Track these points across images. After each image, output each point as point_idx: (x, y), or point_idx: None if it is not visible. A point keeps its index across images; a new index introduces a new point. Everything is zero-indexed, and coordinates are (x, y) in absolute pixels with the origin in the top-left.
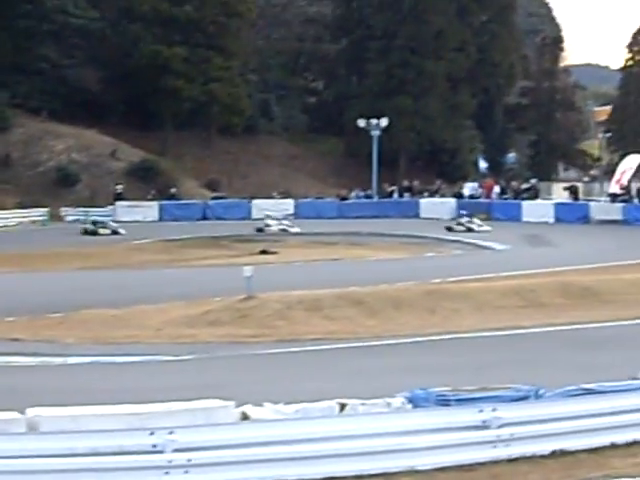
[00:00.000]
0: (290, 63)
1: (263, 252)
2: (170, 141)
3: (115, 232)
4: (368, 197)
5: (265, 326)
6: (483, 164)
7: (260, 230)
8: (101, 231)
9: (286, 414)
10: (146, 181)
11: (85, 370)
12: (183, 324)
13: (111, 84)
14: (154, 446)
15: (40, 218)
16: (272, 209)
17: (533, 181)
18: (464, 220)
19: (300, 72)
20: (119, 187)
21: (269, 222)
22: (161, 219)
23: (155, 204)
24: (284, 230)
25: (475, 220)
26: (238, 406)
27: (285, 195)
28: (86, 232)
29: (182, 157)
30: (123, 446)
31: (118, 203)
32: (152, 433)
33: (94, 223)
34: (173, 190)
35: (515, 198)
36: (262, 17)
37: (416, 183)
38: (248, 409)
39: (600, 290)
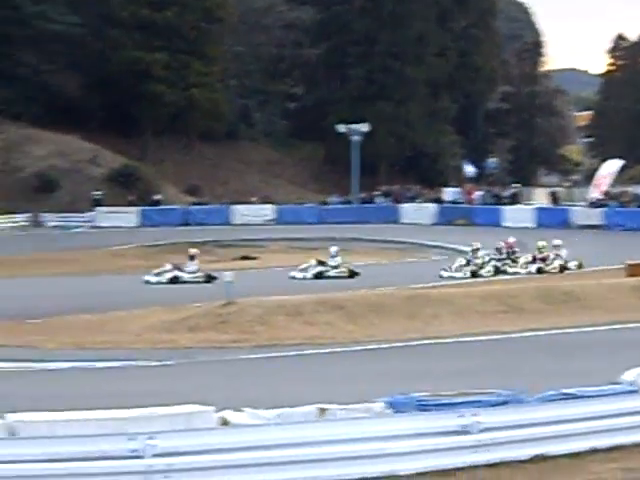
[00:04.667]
0: (270, 68)
1: (244, 258)
2: (150, 147)
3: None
4: (347, 202)
5: (245, 331)
6: (470, 169)
7: None
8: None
9: (266, 419)
10: (127, 187)
11: (65, 375)
12: (163, 329)
13: (92, 90)
14: (134, 451)
15: (20, 224)
16: (252, 214)
17: (516, 186)
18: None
19: (280, 77)
20: (97, 193)
21: None
22: (141, 225)
23: (135, 210)
24: None
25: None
26: (218, 411)
27: (265, 200)
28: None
29: (162, 163)
30: (102, 451)
31: (98, 209)
32: (132, 438)
33: None
34: (157, 196)
35: (496, 203)
36: (242, 23)
37: (396, 188)
38: (228, 414)
39: (581, 295)
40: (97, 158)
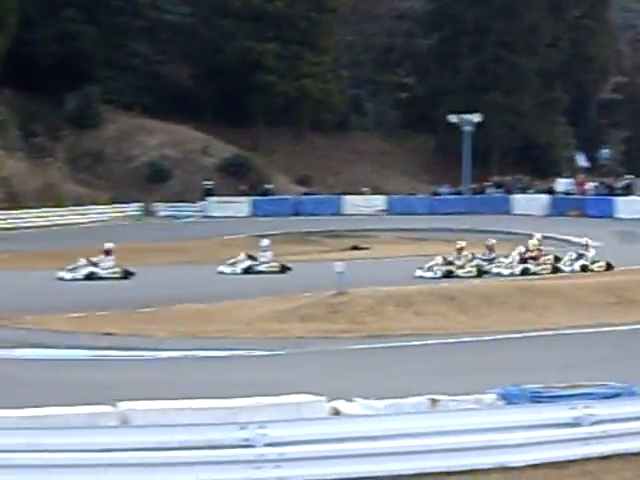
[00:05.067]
0: (382, 58)
1: (354, 248)
2: (262, 137)
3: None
4: (458, 193)
5: (356, 321)
6: (582, 160)
7: None
8: None
9: (377, 409)
10: (238, 177)
11: (177, 364)
12: (274, 319)
13: (203, 80)
14: (245, 440)
15: (133, 213)
16: (363, 205)
17: (630, 177)
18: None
19: (392, 67)
20: (208, 183)
21: None
22: (252, 215)
23: (247, 200)
24: None
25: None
26: (329, 401)
27: (376, 191)
28: None
29: (273, 153)
30: (214, 440)
31: (209, 199)
32: (243, 427)
33: None
34: (268, 186)
35: (609, 194)
36: (354, 13)
37: (507, 179)
38: (339, 404)
39: None
40: (209, 148)
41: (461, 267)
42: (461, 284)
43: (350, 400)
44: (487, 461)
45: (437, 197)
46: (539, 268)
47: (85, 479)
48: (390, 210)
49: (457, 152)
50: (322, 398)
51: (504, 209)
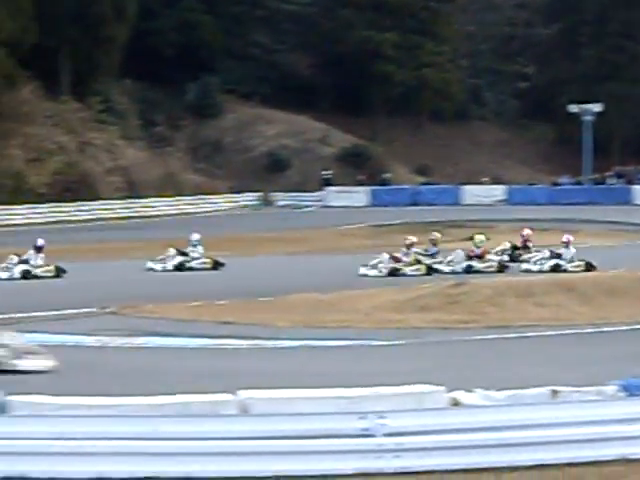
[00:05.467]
0: (501, 48)
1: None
2: (380, 127)
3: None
4: (578, 183)
5: (475, 312)
6: None
7: None
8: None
9: (497, 400)
10: (356, 166)
11: (295, 353)
12: (392, 309)
13: (322, 69)
14: (364, 430)
15: (252, 203)
16: (482, 195)
17: None
18: None
19: (511, 57)
20: (327, 173)
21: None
22: (370, 204)
23: (365, 189)
24: None
25: None
26: (449, 391)
27: (496, 181)
28: None
29: (392, 142)
30: (333, 429)
31: (328, 188)
32: (363, 417)
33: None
34: (386, 175)
35: None
36: (473, 2)
37: (629, 169)
38: (459, 395)
39: None
40: (327, 138)
41: (409, 264)
42: (581, 275)
43: (470, 391)
44: (609, 453)
45: (557, 187)
46: (484, 266)
47: (206, 468)
48: (509, 200)
49: (576, 142)
50: (442, 388)
51: (625, 199)
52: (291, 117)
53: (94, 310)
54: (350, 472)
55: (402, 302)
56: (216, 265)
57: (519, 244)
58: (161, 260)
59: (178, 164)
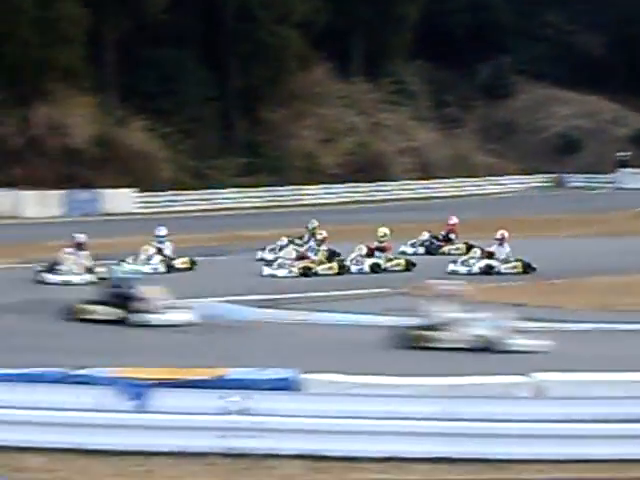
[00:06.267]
0: None
1: None
2: None
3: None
4: None
5: None
6: None
7: None
8: None
9: None
10: None
11: (586, 336)
12: None
13: (614, 49)
14: None
15: (542, 184)
16: None
17: None
18: None
19: None
20: (623, 154)
21: None
22: None
23: None
24: None
25: None
26: None
27: None
28: None
29: None
30: (632, 414)
31: (622, 170)
32: None
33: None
34: None
35: None
36: None
37: None
38: None
39: None
40: (621, 118)
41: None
42: None
43: None
44: None
45: None
46: (390, 264)
47: (495, 450)
48: None
49: None
50: None
51: None
52: (584, 98)
53: (386, 290)
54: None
55: None
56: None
57: (442, 234)
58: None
59: (469, 145)
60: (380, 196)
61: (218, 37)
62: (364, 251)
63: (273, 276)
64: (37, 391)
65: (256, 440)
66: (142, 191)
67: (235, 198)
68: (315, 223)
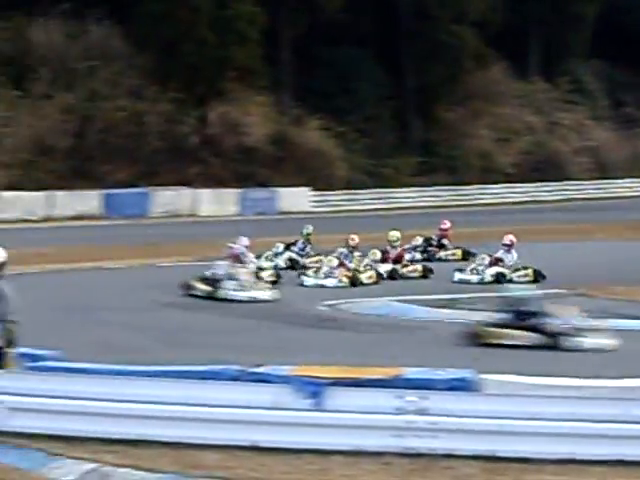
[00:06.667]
0: None
1: None
2: None
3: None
4: None
5: None
6: None
7: None
8: None
9: None
10: None
11: None
12: None
13: None
14: None
15: None
16: None
17: None
18: None
19: None
20: None
21: None
22: None
23: None
24: None
25: None
26: None
27: None
28: None
29: None
30: None
31: None
32: None
33: None
34: None
35: None
36: None
37: None
38: None
39: None
40: None
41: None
42: None
43: None
44: None
45: None
46: (406, 270)
47: None
48: None
49: None
50: None
51: None
52: None
53: (563, 291)
54: None
55: None
56: None
57: (434, 238)
58: None
59: None
60: (554, 196)
61: (394, 36)
62: (378, 256)
63: (322, 286)
64: (213, 388)
65: (432, 440)
66: (317, 190)
67: (411, 197)
68: (310, 228)
